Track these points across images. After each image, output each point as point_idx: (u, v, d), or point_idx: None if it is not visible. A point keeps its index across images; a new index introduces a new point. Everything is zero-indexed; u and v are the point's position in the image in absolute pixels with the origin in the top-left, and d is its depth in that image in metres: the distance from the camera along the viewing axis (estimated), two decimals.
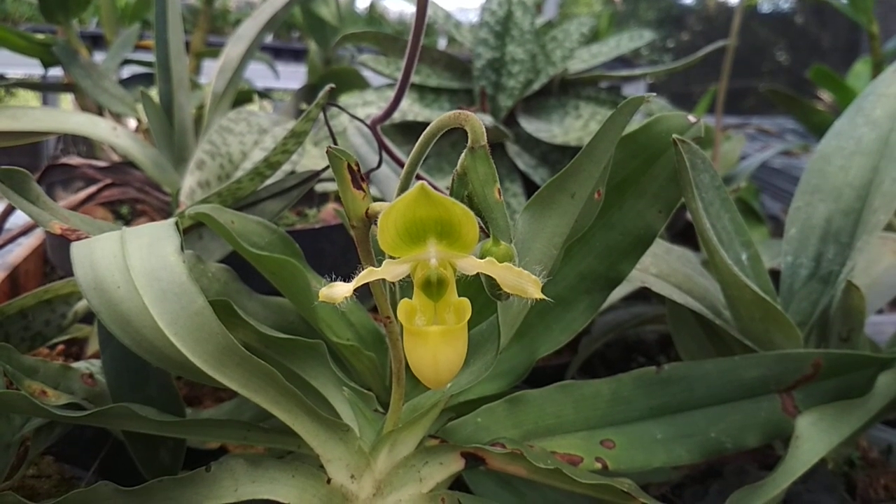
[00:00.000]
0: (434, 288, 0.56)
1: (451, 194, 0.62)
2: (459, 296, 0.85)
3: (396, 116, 1.61)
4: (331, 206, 1.61)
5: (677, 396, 0.86)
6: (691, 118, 0.84)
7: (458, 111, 0.60)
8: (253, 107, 2.20)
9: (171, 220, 0.73)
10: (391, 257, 0.56)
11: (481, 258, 0.56)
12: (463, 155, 0.60)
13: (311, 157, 1.52)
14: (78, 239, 0.75)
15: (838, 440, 0.79)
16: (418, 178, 1.14)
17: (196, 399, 1.19)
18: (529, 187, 1.56)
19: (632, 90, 2.92)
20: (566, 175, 0.71)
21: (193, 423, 0.79)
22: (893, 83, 1.05)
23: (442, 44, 3.46)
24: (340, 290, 0.55)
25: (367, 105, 1.65)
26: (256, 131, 1.38)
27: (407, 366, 0.59)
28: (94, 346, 1.16)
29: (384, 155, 1.09)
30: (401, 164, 1.12)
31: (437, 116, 0.63)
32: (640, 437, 0.83)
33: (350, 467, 0.73)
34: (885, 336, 1.14)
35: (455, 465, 0.74)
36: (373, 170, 1.02)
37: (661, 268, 1.00)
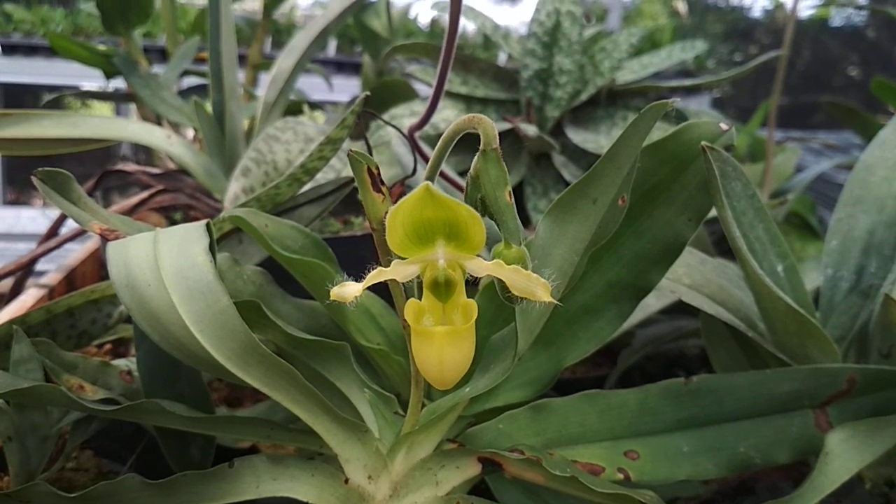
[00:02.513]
0: (442, 289, 0.56)
1: (465, 197, 0.63)
2: (488, 305, 0.85)
3: (442, 126, 1.63)
4: None
5: (706, 409, 0.84)
6: (723, 125, 0.82)
7: (472, 115, 0.60)
8: (302, 118, 2.24)
9: (202, 223, 0.75)
10: (401, 258, 0.57)
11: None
12: (476, 158, 0.60)
13: None
14: (116, 239, 0.78)
15: (871, 458, 0.76)
16: (451, 183, 1.15)
17: (236, 400, 1.22)
18: None
19: (694, 103, 2.88)
20: (588, 180, 0.70)
21: (220, 419, 0.80)
22: None
23: (502, 58, 3.46)
24: (351, 290, 0.57)
25: (413, 115, 1.67)
26: (303, 140, 1.40)
27: None
28: None
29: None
30: (442, 174, 1.13)
31: None
32: (666, 449, 0.81)
33: (367, 468, 0.74)
34: None
35: (472, 469, 0.74)
36: (408, 176, 1.03)
37: (694, 278, 0.99)
